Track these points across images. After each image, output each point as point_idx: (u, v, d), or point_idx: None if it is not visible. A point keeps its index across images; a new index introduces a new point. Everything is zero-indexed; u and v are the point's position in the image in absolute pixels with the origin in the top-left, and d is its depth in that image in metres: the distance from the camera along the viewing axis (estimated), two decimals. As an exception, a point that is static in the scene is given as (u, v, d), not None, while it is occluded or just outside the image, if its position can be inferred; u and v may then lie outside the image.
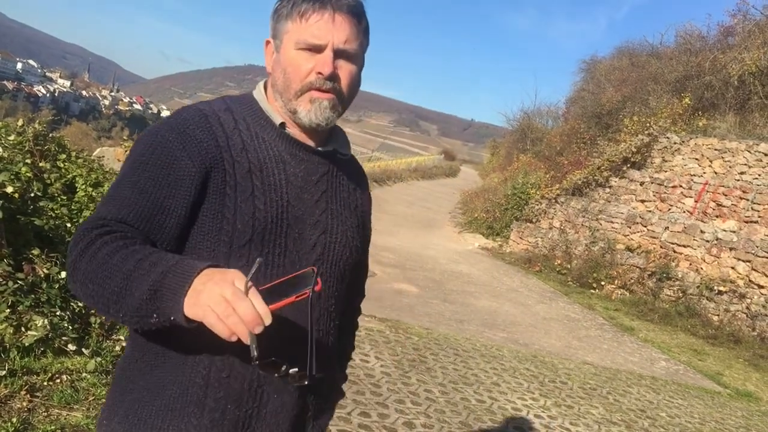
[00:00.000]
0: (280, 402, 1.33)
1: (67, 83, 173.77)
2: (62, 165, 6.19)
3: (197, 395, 1.27)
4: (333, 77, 1.33)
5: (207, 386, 1.27)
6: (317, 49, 1.32)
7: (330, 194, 1.44)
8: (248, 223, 1.28)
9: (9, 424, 3.01)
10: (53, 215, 5.04)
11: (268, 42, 1.42)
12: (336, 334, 1.48)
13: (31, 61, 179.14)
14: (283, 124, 1.39)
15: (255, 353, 1.02)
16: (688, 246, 12.25)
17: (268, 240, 1.30)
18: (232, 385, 1.28)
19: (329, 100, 1.34)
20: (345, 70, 1.35)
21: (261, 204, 1.29)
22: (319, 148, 1.42)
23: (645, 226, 13.23)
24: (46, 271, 4.24)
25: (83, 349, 4.01)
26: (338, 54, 1.33)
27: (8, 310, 3.85)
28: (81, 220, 5.21)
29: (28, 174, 5.07)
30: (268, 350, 1.04)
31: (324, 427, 1.52)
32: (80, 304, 4.28)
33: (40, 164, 5.72)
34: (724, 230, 12.09)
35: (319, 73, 1.32)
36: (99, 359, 3.91)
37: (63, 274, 4.19)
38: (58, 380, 3.61)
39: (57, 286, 4.24)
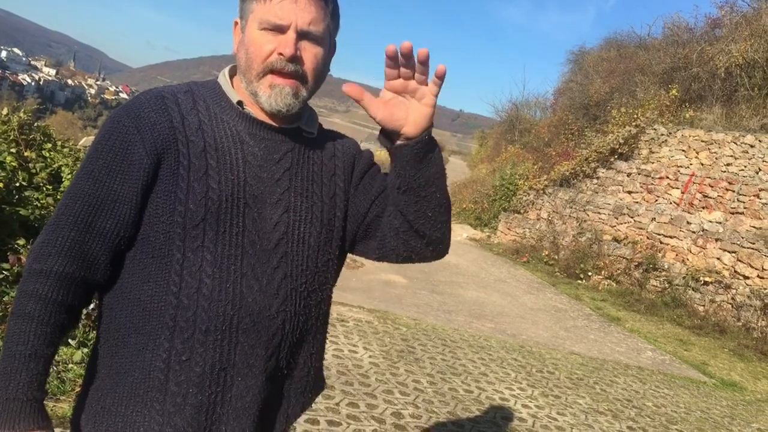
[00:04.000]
0: (245, 386, 1.30)
1: (53, 72, 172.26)
2: (48, 154, 6.12)
3: (159, 380, 1.25)
4: (295, 59, 1.31)
5: (168, 370, 1.25)
6: (280, 30, 1.30)
7: (294, 171, 1.40)
8: (201, 203, 1.27)
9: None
10: (39, 205, 4.99)
11: (236, 23, 1.40)
12: (312, 315, 1.41)
13: (15, 50, 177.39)
14: (240, 103, 1.38)
15: None
16: (675, 237, 12.33)
17: (223, 220, 1.28)
18: (193, 368, 1.25)
19: (291, 86, 1.33)
20: (309, 52, 1.33)
21: (215, 183, 1.28)
22: (283, 126, 1.40)
23: (632, 217, 13.31)
24: (31, 261, 4.21)
25: (69, 340, 3.98)
26: (302, 35, 1.31)
27: (-7, 301, 3.82)
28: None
29: (13, 163, 5.01)
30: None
31: (297, 413, 1.46)
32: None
33: (26, 154, 5.66)
34: (710, 221, 12.19)
35: (281, 54, 1.30)
36: (86, 350, 3.88)
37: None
38: (45, 371, 3.58)
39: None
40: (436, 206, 1.38)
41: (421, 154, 1.30)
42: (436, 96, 1.27)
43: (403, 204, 1.38)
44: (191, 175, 1.28)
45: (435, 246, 1.46)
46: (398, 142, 1.31)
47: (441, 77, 1.24)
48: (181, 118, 1.31)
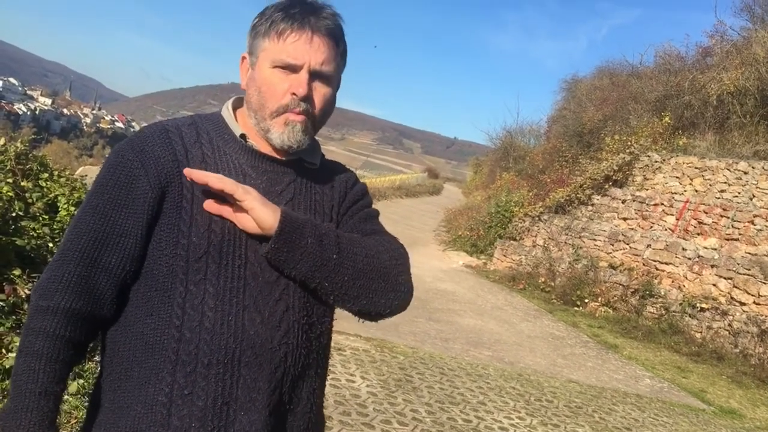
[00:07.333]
0: (248, 420, 1.28)
1: (48, 101, 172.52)
2: (44, 184, 6.12)
3: (161, 414, 1.24)
4: (307, 99, 1.33)
5: (171, 404, 1.24)
6: (293, 69, 1.32)
7: (296, 202, 1.41)
8: (203, 236, 1.27)
9: (-11, 448, 2.95)
10: (35, 235, 4.98)
11: (244, 57, 1.42)
12: (313, 348, 1.40)
13: (11, 79, 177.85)
14: (243, 136, 1.39)
15: None
16: (670, 263, 12.34)
17: (226, 252, 1.28)
18: (195, 402, 1.24)
19: (302, 122, 1.34)
20: (320, 92, 1.36)
21: (217, 216, 1.29)
22: (283, 158, 1.41)
23: (627, 244, 13.32)
24: (27, 291, 4.18)
25: (65, 371, 3.94)
26: (314, 75, 1.34)
27: (-12, 332, 3.79)
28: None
29: (10, 193, 5.01)
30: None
31: None
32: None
33: (22, 183, 5.66)
34: (706, 248, 12.21)
35: (294, 93, 1.32)
36: (81, 381, 3.85)
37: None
38: (40, 403, 3.54)
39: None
40: (333, 291, 1.35)
41: (277, 256, 1.29)
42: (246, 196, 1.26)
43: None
44: (194, 209, 1.29)
45: (365, 316, 1.44)
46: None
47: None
48: (184, 151, 1.33)
